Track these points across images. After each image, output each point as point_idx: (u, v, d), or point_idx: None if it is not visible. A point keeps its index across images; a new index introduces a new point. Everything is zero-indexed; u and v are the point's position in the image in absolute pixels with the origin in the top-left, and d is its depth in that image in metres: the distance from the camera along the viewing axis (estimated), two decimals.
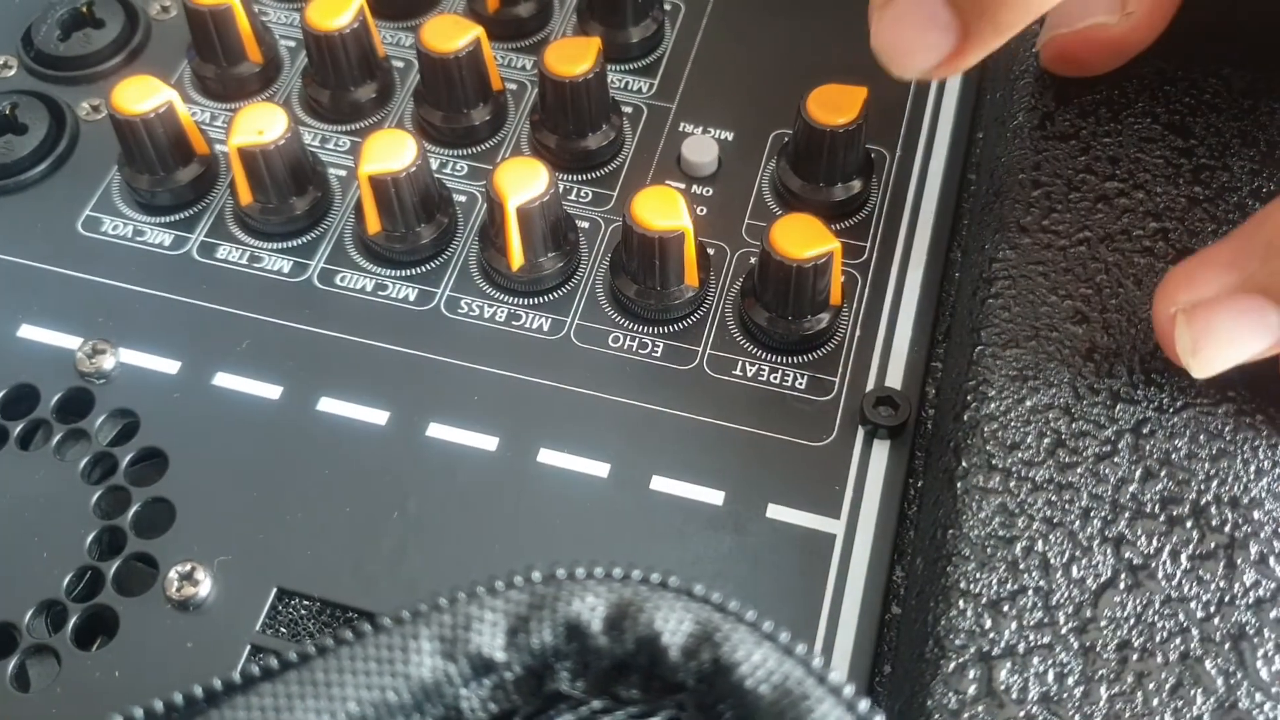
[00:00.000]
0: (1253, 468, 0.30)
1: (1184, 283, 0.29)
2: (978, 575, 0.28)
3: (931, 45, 0.27)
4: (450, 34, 0.37)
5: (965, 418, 0.31)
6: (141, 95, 0.36)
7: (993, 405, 0.31)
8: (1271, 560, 0.28)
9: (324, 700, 0.20)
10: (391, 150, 0.34)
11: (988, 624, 0.28)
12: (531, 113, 0.39)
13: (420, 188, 0.35)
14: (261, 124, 0.35)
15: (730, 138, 0.39)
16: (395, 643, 0.20)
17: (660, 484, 0.33)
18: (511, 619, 0.21)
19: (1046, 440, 0.30)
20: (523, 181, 0.34)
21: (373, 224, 0.36)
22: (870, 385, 0.34)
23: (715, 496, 0.32)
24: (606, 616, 0.21)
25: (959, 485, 0.30)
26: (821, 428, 0.33)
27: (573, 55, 0.37)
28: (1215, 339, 0.28)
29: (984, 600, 0.28)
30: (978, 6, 0.26)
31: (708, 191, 0.38)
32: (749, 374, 0.34)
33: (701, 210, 0.38)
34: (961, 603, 0.28)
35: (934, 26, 0.27)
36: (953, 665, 0.27)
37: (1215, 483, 0.30)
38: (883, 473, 0.33)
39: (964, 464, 0.30)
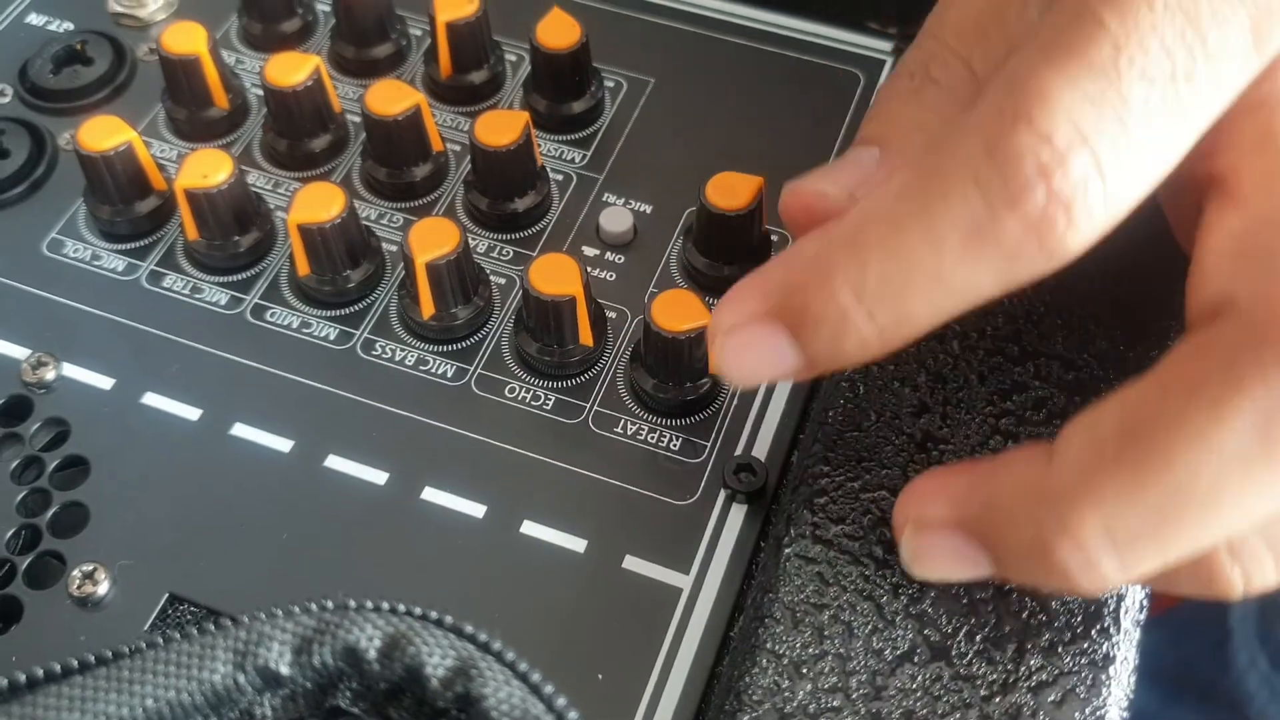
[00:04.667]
0: None
1: (917, 498, 0.30)
2: (785, 637, 0.31)
3: (776, 372, 0.29)
4: (393, 100, 0.40)
5: (801, 490, 0.33)
6: (106, 134, 0.39)
7: (824, 481, 0.33)
8: (1060, 649, 0.31)
9: (125, 695, 0.23)
10: (321, 201, 0.38)
11: (785, 683, 0.30)
12: (466, 175, 0.42)
13: (346, 237, 0.38)
14: (207, 169, 0.39)
15: (649, 211, 0.42)
16: (194, 650, 0.23)
17: (530, 528, 0.35)
18: (298, 640, 0.24)
19: (869, 518, 0.33)
20: (434, 240, 0.37)
21: (302, 267, 0.39)
22: (739, 452, 0.37)
23: (578, 544, 0.35)
24: (381, 645, 0.24)
25: (784, 552, 0.32)
26: (687, 488, 0.36)
27: (501, 127, 0.40)
28: (931, 562, 0.30)
29: (786, 660, 0.31)
30: (827, 345, 0.27)
31: (620, 259, 0.41)
32: (629, 432, 0.37)
33: (611, 276, 0.41)
34: (764, 661, 0.31)
35: (779, 358, 0.28)
36: (746, 719, 0.30)
37: None
38: (736, 535, 0.35)
39: (791, 533, 0.33)
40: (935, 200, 0.25)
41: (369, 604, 0.24)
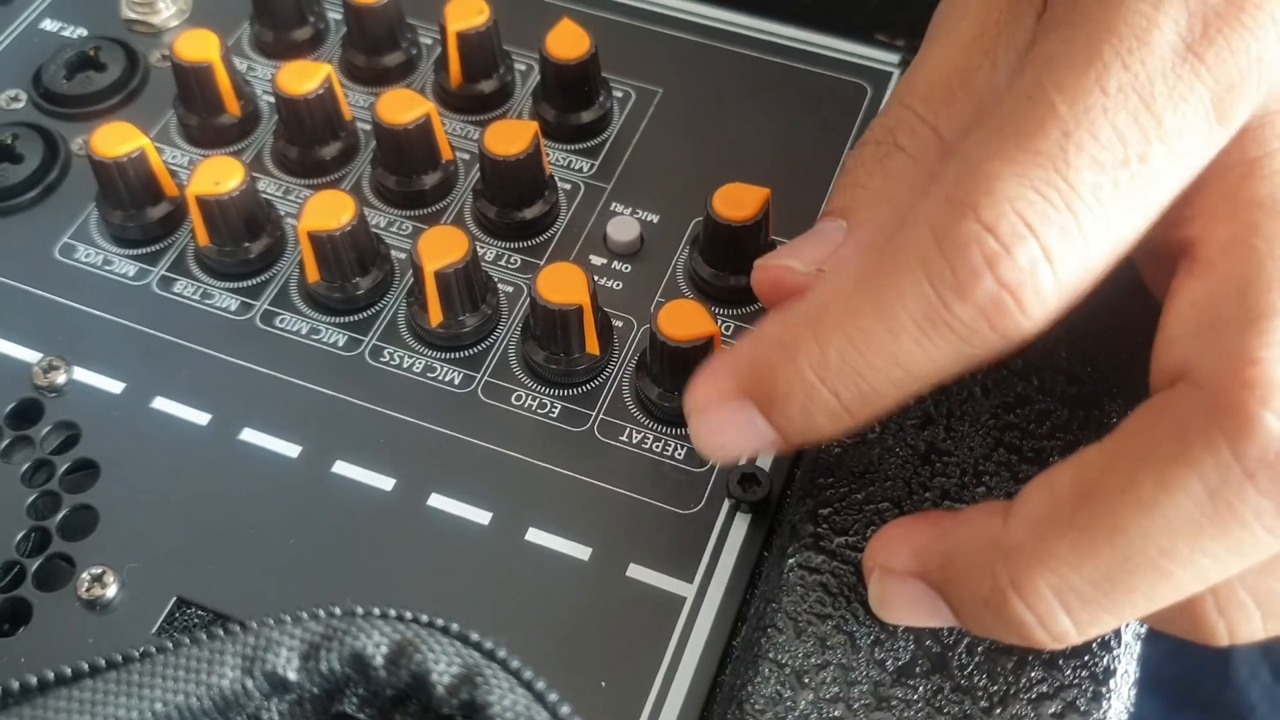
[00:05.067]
0: None
1: (884, 545, 0.31)
2: (788, 646, 0.31)
3: (751, 445, 0.30)
4: (403, 108, 0.41)
5: (806, 502, 0.34)
6: (118, 140, 0.40)
7: (828, 493, 0.33)
8: (1060, 661, 0.31)
9: (134, 699, 0.23)
10: (331, 209, 0.38)
11: (787, 693, 0.30)
12: (475, 184, 0.43)
13: (356, 244, 0.39)
14: (218, 176, 0.39)
15: (656, 220, 0.42)
16: (203, 655, 0.24)
17: (535, 536, 0.36)
18: (305, 646, 0.24)
19: (872, 529, 0.33)
20: (443, 248, 0.37)
21: (312, 274, 0.39)
22: (743, 462, 0.37)
23: (583, 552, 0.35)
24: (388, 652, 0.24)
25: (788, 562, 0.33)
26: (692, 497, 0.36)
27: (510, 136, 0.40)
28: (895, 608, 0.31)
29: (788, 670, 0.31)
30: (797, 422, 0.28)
31: (627, 268, 0.41)
32: (634, 441, 0.38)
33: (617, 285, 0.41)
34: (767, 670, 0.31)
35: (753, 433, 0.29)
36: None
37: None
38: (739, 544, 0.35)
39: (796, 543, 0.33)
40: (889, 287, 0.26)
41: (376, 611, 0.24)
